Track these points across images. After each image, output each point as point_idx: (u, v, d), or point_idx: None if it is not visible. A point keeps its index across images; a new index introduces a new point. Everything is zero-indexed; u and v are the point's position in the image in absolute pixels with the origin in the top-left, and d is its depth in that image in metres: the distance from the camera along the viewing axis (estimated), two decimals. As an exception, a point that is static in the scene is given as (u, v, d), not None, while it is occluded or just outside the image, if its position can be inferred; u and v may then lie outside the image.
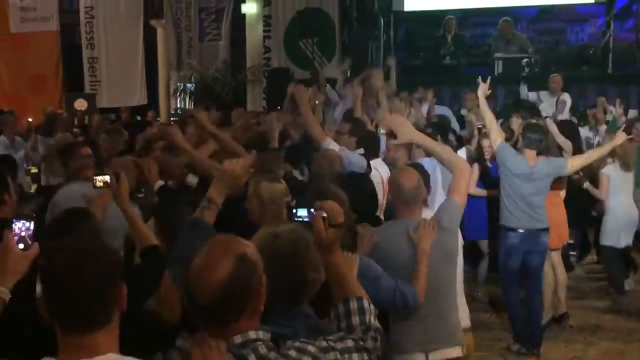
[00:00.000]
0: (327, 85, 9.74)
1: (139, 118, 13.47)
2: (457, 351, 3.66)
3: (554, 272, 6.45)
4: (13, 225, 2.22)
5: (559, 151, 6.65)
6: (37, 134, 9.96)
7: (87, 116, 12.80)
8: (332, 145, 5.35)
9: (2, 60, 15.98)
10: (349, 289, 2.35)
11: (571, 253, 7.93)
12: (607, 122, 9.04)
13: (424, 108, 8.91)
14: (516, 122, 7.06)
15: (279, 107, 9.45)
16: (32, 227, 2.23)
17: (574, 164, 5.96)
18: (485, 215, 6.84)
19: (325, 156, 4.99)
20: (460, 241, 4.08)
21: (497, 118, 6.57)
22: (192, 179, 4.99)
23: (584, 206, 7.42)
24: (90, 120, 11.86)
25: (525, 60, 11.68)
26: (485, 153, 6.82)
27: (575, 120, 9.26)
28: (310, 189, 3.85)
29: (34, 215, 2.28)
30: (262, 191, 3.74)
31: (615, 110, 8.91)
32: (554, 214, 6.06)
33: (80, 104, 13.70)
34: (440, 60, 12.94)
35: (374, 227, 3.81)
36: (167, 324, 2.66)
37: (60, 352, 1.79)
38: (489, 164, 6.78)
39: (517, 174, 5.75)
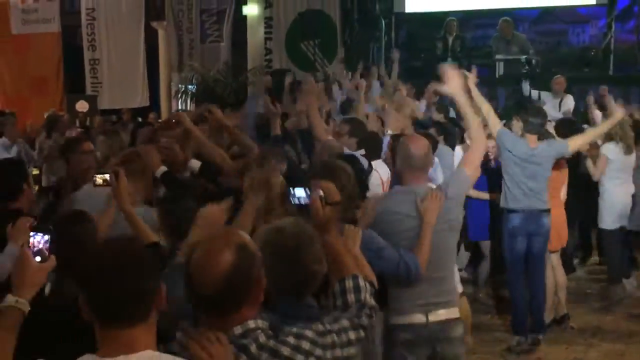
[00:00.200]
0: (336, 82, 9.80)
1: (140, 120, 13.47)
2: (454, 312, 3.78)
3: (553, 273, 6.43)
4: (31, 238, 2.27)
5: None
6: (37, 136, 9.97)
7: (88, 118, 12.81)
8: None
9: (4, 62, 16.00)
10: (345, 267, 2.41)
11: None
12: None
13: (422, 104, 8.94)
14: (517, 125, 7.02)
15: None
16: (49, 240, 2.27)
17: (574, 144, 5.95)
18: (487, 216, 6.83)
19: (326, 146, 5.03)
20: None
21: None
22: (194, 164, 5.02)
23: (586, 205, 7.40)
24: (92, 122, 11.86)
25: (525, 57, 11.70)
26: (490, 154, 6.78)
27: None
28: (316, 163, 3.88)
29: (51, 228, 2.32)
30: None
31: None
32: (554, 216, 6.05)
33: (82, 106, 13.73)
34: (441, 61, 12.90)
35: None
36: (166, 316, 2.67)
37: (100, 348, 1.83)
38: (492, 164, 6.74)
39: (518, 156, 5.75)
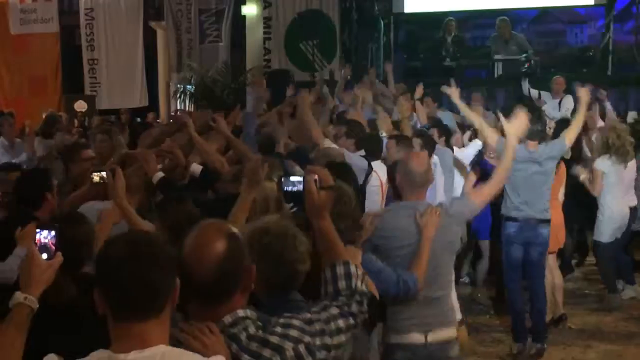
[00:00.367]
0: (325, 85, 9.77)
1: (139, 120, 13.46)
2: (453, 332, 3.83)
3: (550, 274, 6.44)
4: (37, 234, 2.28)
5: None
6: (36, 136, 9.93)
7: (86, 118, 12.78)
8: (331, 146, 5.37)
9: (2, 62, 15.96)
10: (337, 254, 2.41)
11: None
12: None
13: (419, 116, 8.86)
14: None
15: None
16: (54, 236, 2.28)
17: (569, 136, 5.93)
18: (488, 216, 6.83)
19: (321, 153, 5.03)
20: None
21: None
22: (195, 168, 5.03)
23: (584, 206, 7.40)
24: (90, 122, 11.84)
25: (524, 55, 11.70)
26: (491, 155, 6.78)
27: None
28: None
29: (56, 225, 2.32)
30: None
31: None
32: (552, 217, 6.05)
33: (80, 106, 13.70)
34: (441, 62, 12.93)
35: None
36: None
37: (113, 342, 1.83)
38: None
39: (518, 160, 5.71)
